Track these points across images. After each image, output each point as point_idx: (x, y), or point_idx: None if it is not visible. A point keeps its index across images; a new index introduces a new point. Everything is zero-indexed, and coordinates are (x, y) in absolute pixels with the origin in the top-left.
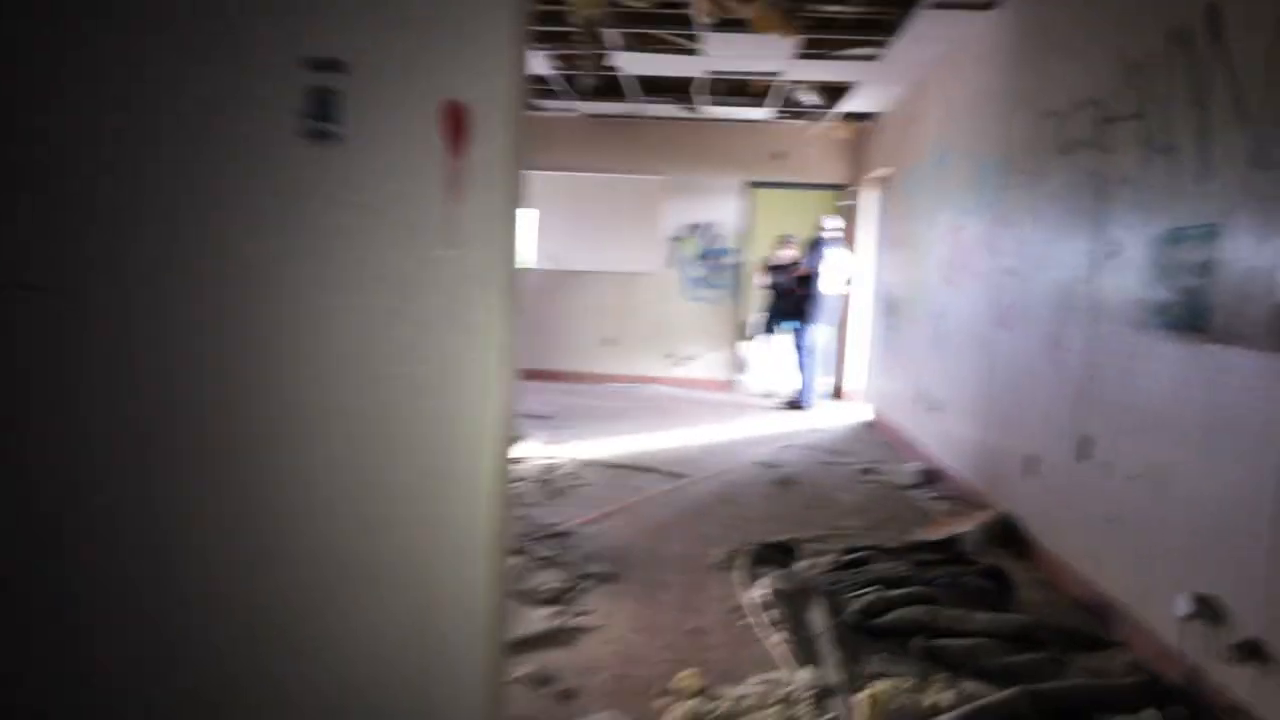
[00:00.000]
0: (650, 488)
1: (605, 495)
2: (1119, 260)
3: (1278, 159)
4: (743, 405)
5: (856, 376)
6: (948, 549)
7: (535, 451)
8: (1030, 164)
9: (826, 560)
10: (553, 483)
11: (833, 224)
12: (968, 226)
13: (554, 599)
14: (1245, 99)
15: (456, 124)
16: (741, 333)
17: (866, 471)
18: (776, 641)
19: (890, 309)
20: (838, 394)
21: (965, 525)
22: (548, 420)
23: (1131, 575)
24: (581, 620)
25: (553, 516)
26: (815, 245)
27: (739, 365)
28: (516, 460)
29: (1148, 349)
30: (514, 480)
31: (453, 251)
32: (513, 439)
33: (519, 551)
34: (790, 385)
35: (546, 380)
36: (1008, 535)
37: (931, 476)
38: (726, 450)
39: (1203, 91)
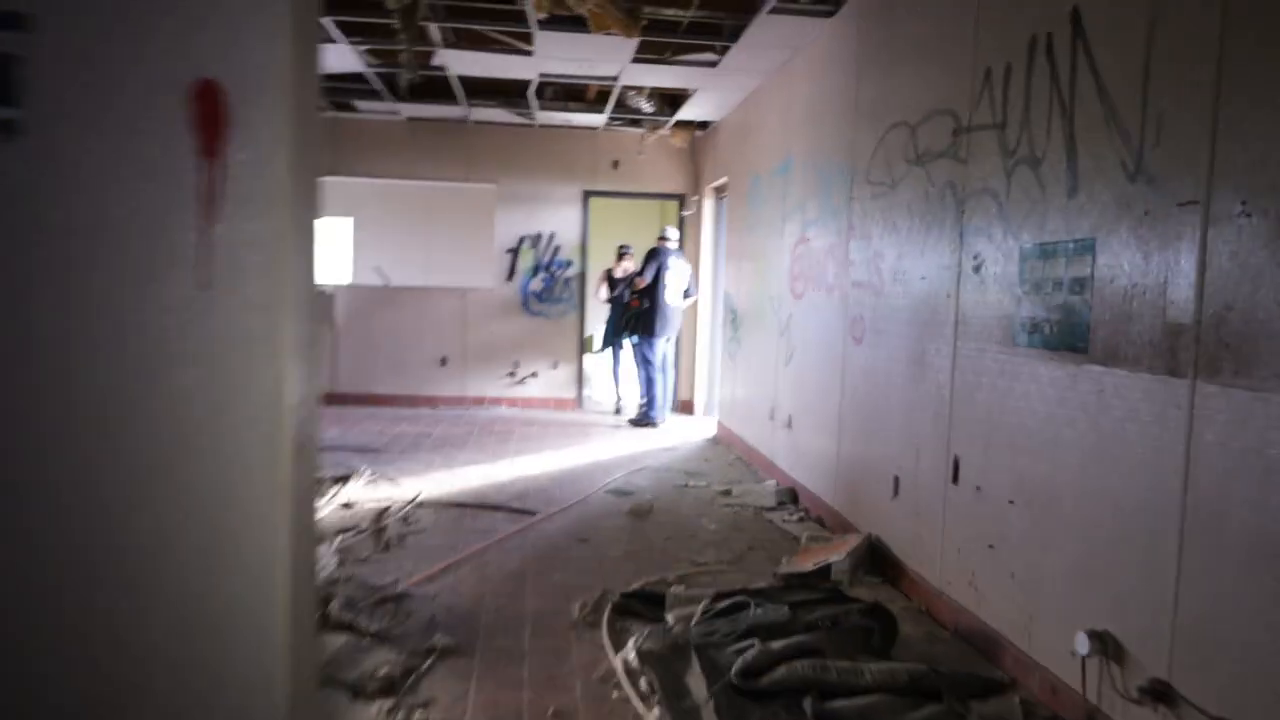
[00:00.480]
0: (498, 529)
1: (447, 543)
2: (985, 275)
3: (1155, 171)
4: (590, 425)
5: (701, 390)
6: (821, 584)
7: (364, 494)
8: (881, 174)
9: (698, 608)
10: (385, 531)
11: (673, 234)
12: (814, 238)
13: (387, 688)
14: (1116, 107)
15: (211, 112)
16: (586, 348)
17: (725, 494)
18: (654, 718)
19: (734, 321)
20: (685, 408)
21: (834, 553)
22: (378, 455)
23: (1015, 606)
24: (422, 716)
25: (385, 574)
26: (654, 256)
27: (584, 382)
28: (347, 507)
29: (1022, 368)
30: (339, 533)
31: (210, 291)
32: (319, 505)
33: (344, 627)
34: (636, 401)
35: (376, 405)
36: (877, 560)
37: (791, 496)
38: (576, 478)
39: (1069, 100)
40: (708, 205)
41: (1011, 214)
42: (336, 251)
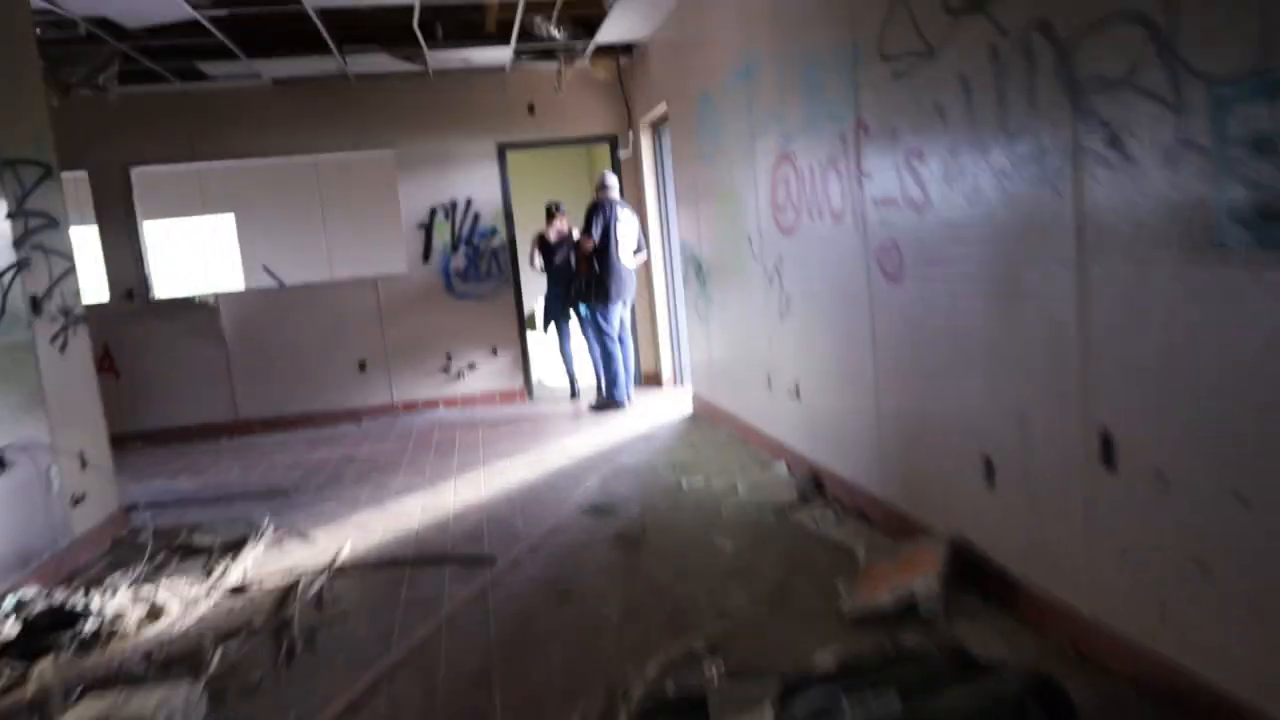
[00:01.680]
0: (446, 594)
1: (376, 632)
2: (1136, 149)
3: None
4: (545, 416)
5: (667, 358)
6: (916, 627)
7: (264, 565)
8: (903, 43)
9: (763, 716)
10: (290, 627)
11: (613, 182)
12: (802, 152)
13: None
14: None
15: None
16: (529, 326)
17: (730, 492)
18: None
19: (699, 273)
20: (651, 380)
21: (914, 574)
22: (287, 498)
23: (1266, 653)
24: None
25: (283, 712)
26: (597, 211)
27: (530, 367)
28: (239, 591)
29: (1240, 284)
30: (221, 640)
31: None
32: None
33: None
34: (595, 382)
35: (288, 430)
36: (971, 574)
37: (814, 484)
38: (540, 494)
39: None
40: (645, 143)
41: (1186, 37)
42: (217, 255)
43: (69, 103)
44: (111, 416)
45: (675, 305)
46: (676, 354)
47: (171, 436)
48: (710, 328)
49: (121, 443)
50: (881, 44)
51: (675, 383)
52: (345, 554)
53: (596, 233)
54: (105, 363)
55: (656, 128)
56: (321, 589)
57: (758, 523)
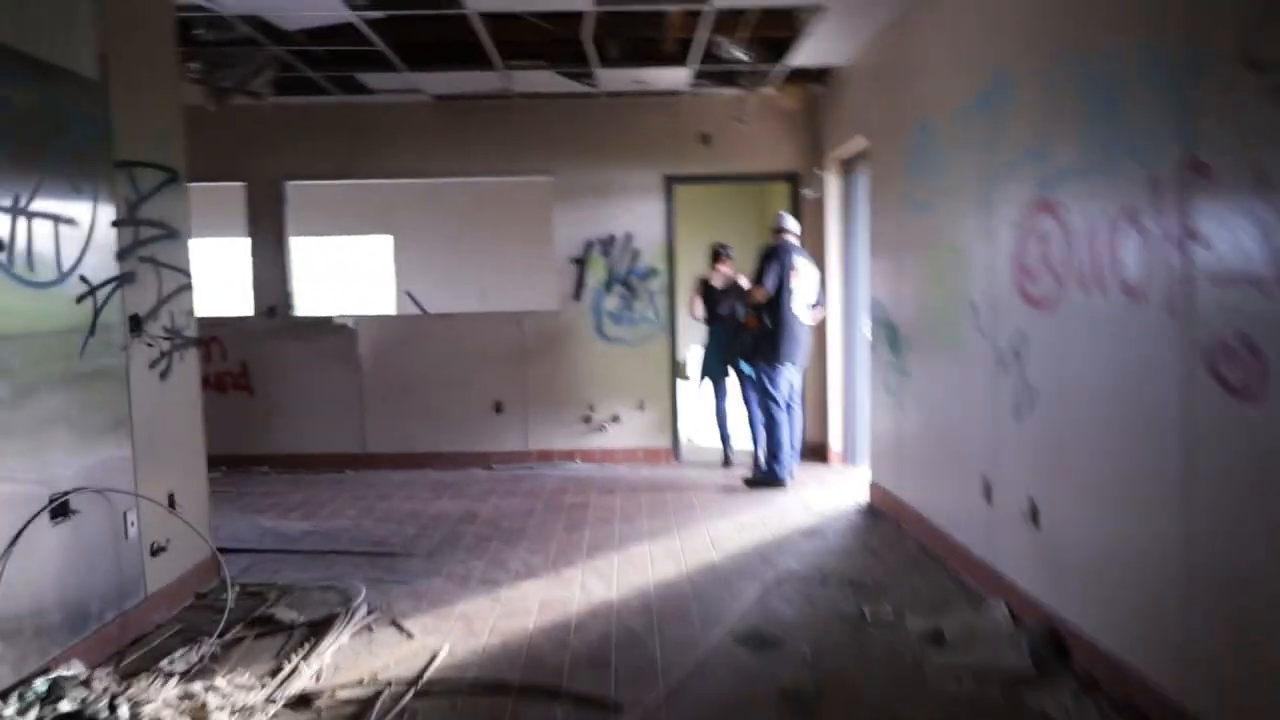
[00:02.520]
0: None
1: None
2: None
3: None
4: (692, 486)
5: (837, 430)
6: None
7: (345, 665)
8: None
9: None
10: None
11: (794, 225)
12: (1075, 200)
13: None
14: None
15: None
16: (679, 375)
17: (933, 641)
18: None
19: (892, 341)
20: (815, 454)
21: None
22: (394, 561)
23: None
24: None
25: None
26: (774, 257)
27: (680, 425)
28: (305, 703)
29: None
30: None
31: None
32: None
33: None
34: (753, 451)
35: (415, 468)
36: None
37: (1051, 643)
38: (683, 605)
39: None
40: (832, 183)
41: None
42: (371, 277)
43: (226, 110)
44: (241, 437)
45: (853, 372)
46: (850, 428)
47: (299, 463)
48: (902, 406)
49: (249, 464)
50: (1250, 46)
51: (845, 461)
52: (441, 660)
53: (771, 282)
54: (241, 380)
55: (847, 166)
56: (404, 710)
57: (976, 701)
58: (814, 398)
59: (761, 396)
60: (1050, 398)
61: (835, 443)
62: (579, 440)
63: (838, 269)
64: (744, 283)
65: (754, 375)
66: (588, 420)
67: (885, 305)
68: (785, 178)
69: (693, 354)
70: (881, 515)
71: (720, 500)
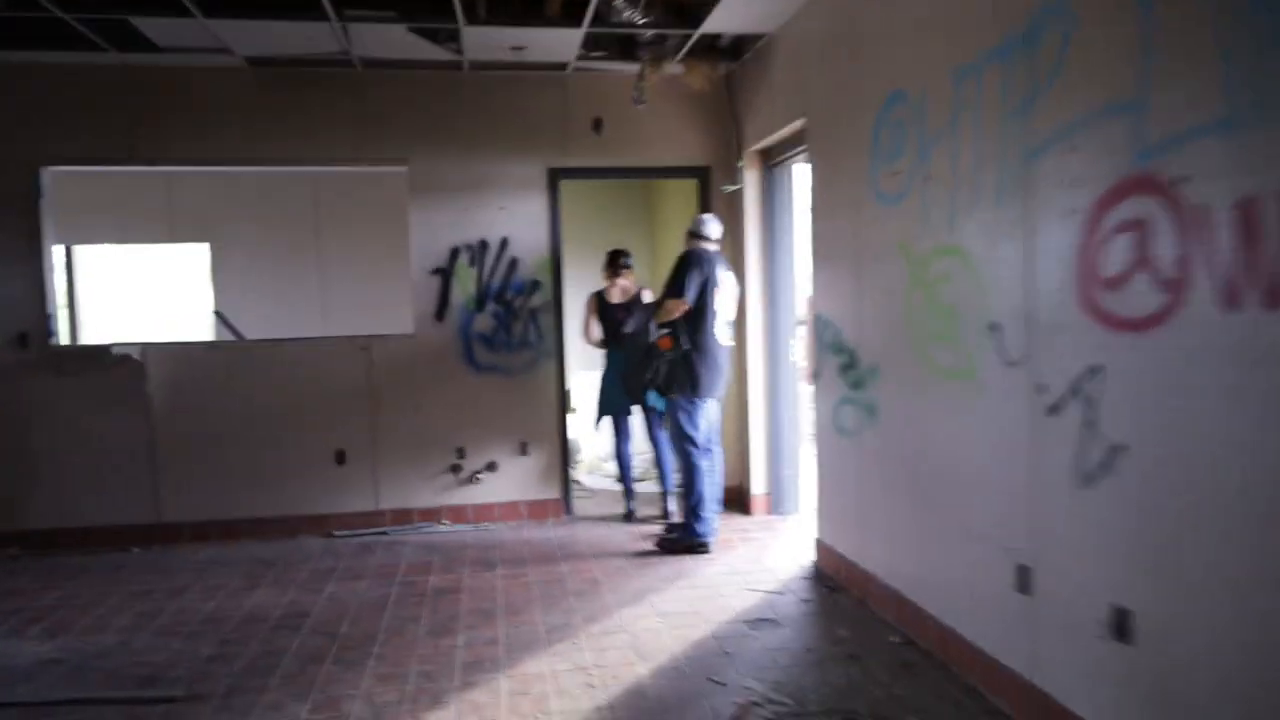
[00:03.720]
0: None
1: None
2: None
3: None
4: (592, 551)
5: (759, 470)
6: None
7: None
8: None
9: None
10: None
11: (714, 229)
12: (1210, 173)
13: None
14: None
15: None
16: (569, 410)
17: None
18: None
19: (847, 367)
20: (735, 499)
21: None
22: (167, 713)
23: None
24: None
25: None
26: (692, 265)
27: (572, 469)
28: None
29: None
30: None
31: None
32: None
33: None
34: (667, 502)
35: (228, 541)
36: None
37: None
38: None
39: None
40: (751, 179)
41: None
42: (181, 294)
43: None
44: None
45: (778, 403)
46: (776, 470)
47: (67, 541)
48: (865, 452)
49: None
50: None
51: (771, 509)
52: None
53: (692, 295)
54: None
55: (769, 159)
56: None
57: None
58: (733, 433)
59: (677, 437)
60: (1148, 458)
61: (758, 486)
62: (446, 495)
63: (758, 280)
64: (648, 297)
65: (669, 412)
66: (456, 470)
67: (836, 325)
68: (694, 173)
69: (586, 384)
70: (839, 589)
71: (632, 573)
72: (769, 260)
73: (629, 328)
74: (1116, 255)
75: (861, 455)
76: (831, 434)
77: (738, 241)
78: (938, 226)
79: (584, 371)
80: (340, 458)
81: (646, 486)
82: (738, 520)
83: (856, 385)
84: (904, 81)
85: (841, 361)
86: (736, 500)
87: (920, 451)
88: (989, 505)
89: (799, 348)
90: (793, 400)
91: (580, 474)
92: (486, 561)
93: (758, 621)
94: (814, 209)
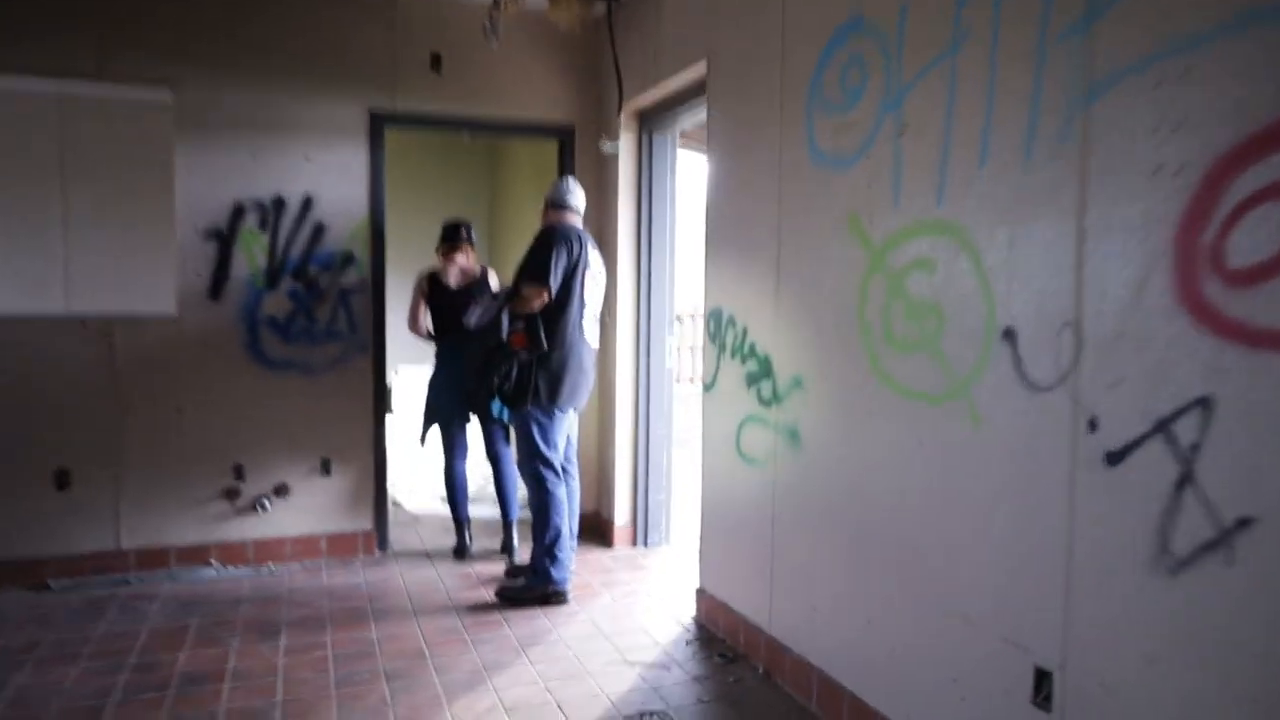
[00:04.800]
0: None
1: None
2: None
3: None
4: (415, 606)
5: (623, 495)
6: None
7: None
8: None
9: None
10: None
11: (578, 198)
12: None
13: None
14: None
15: None
16: (383, 411)
17: None
18: None
19: (759, 377)
20: (599, 533)
21: None
22: None
23: None
24: None
25: None
26: (557, 243)
27: (388, 493)
28: None
29: None
30: None
31: None
32: None
33: None
34: (503, 534)
35: None
36: None
37: None
38: None
39: None
40: (626, 144)
41: None
42: None
43: None
44: None
45: (648, 413)
46: (643, 493)
47: None
48: (777, 482)
49: None
50: None
51: (636, 539)
52: None
53: (556, 282)
54: None
55: (646, 120)
56: None
57: None
58: (591, 450)
59: (527, 457)
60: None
61: (621, 514)
62: (217, 529)
63: (630, 266)
64: (493, 281)
65: (520, 425)
66: (233, 495)
67: (740, 323)
68: (555, 132)
69: (409, 383)
70: (737, 657)
71: (468, 638)
72: (643, 242)
73: (471, 319)
74: (1254, 236)
75: (774, 490)
76: (728, 459)
77: (608, 219)
78: (916, 196)
79: (409, 366)
80: (62, 480)
81: (484, 509)
82: (597, 555)
83: (769, 401)
84: (868, 5)
85: (749, 371)
86: (594, 530)
87: (869, 494)
88: (987, 580)
89: (674, 347)
90: (666, 411)
91: (399, 493)
92: (267, 624)
93: (639, 710)
94: (713, 178)
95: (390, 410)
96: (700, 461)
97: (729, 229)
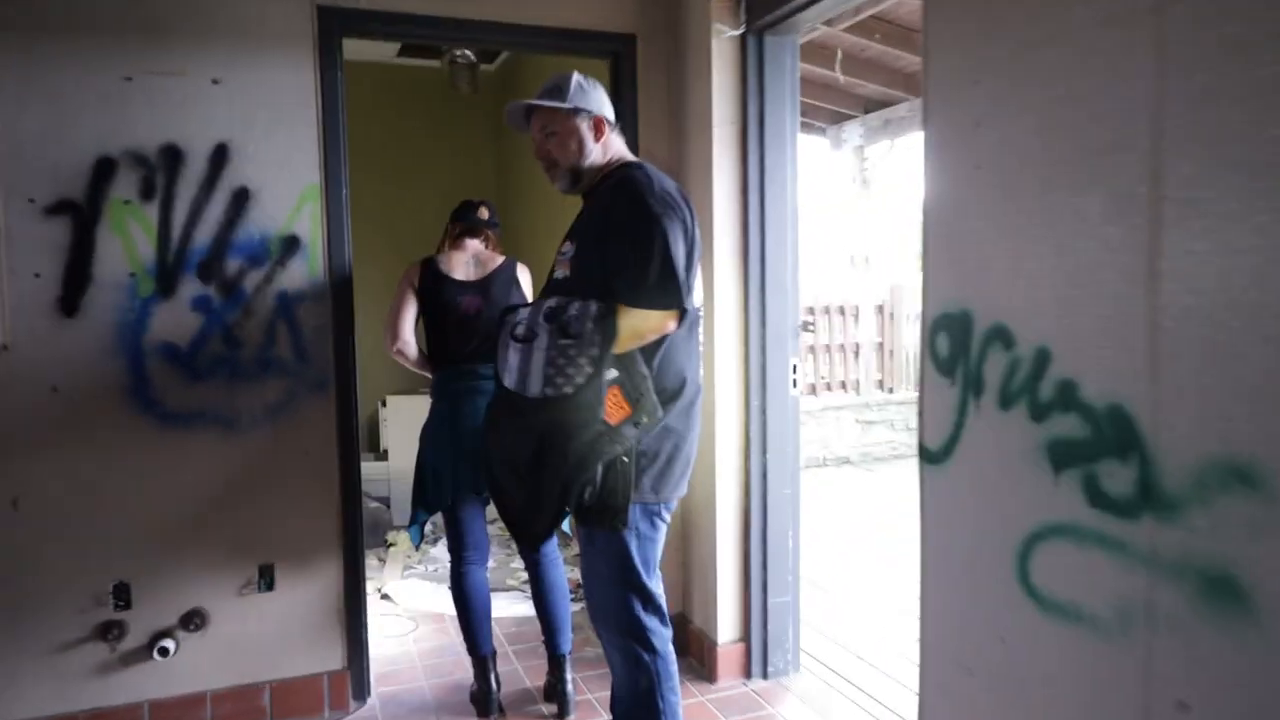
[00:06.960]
0: None
1: None
2: None
3: None
4: None
5: (735, 600)
6: None
7: None
8: None
9: None
10: None
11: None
12: None
13: None
14: None
15: None
16: (353, 488)
17: None
18: None
19: (1079, 447)
20: (690, 654)
21: None
22: None
23: None
24: None
25: None
26: (670, 213)
27: (364, 617)
28: None
29: None
30: None
31: None
32: None
33: None
34: (546, 658)
35: None
36: None
37: None
38: None
39: None
40: (722, 56)
41: None
42: None
43: None
44: None
45: (762, 460)
46: (758, 593)
47: None
48: (1159, 671)
49: None
50: None
51: (748, 669)
52: None
53: (691, 293)
54: None
55: (753, 11)
56: None
57: None
58: (673, 535)
59: (622, 604)
60: None
61: (724, 627)
62: (89, 688)
63: (731, 245)
64: (524, 281)
65: (590, 543)
66: (113, 634)
67: (1032, 341)
68: (603, 45)
69: (405, 417)
70: None
71: None
72: (751, 211)
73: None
74: None
75: (1144, 679)
76: (993, 593)
77: (694, 173)
78: None
79: (401, 398)
80: None
81: (513, 601)
82: (688, 695)
83: (1131, 504)
84: None
85: (1055, 435)
86: (679, 648)
87: None
88: None
89: (801, 366)
90: (792, 465)
91: (388, 579)
92: None
93: None
94: (956, 65)
95: (383, 456)
96: (921, 582)
97: (1005, 162)
